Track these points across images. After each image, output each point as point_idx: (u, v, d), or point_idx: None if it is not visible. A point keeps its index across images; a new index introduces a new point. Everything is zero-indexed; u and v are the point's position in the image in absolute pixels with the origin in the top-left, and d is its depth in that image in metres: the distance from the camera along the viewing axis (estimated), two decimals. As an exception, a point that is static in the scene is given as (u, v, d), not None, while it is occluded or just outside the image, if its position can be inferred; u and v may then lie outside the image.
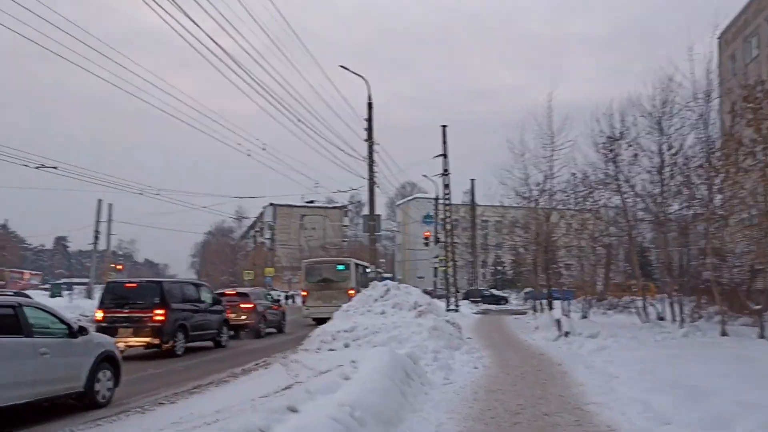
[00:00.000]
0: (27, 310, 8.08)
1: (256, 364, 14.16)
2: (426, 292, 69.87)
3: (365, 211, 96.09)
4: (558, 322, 20.75)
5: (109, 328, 15.52)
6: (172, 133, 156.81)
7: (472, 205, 56.42)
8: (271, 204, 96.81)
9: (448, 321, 18.95)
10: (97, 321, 16.03)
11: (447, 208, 38.42)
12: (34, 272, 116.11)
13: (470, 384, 10.79)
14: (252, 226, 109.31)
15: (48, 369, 8.06)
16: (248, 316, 21.98)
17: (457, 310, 36.56)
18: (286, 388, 10.13)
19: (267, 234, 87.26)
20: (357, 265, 29.68)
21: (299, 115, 21.82)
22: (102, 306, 16.10)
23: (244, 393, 9.97)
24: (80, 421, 8.35)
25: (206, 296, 18.53)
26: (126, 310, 15.72)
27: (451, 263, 39.70)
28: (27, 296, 7.87)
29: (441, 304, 38.59)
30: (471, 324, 27.80)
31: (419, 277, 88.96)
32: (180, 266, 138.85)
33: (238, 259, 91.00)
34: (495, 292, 60.99)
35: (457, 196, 64.87)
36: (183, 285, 17.94)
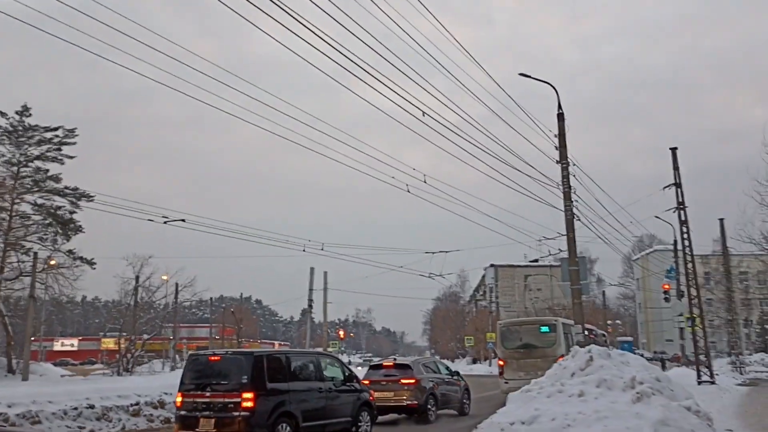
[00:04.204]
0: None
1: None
2: (673, 357, 58.69)
3: (597, 265, 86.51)
4: None
5: (188, 417, 11.57)
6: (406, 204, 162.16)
7: (724, 251, 45.85)
8: (492, 265, 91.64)
9: (689, 408, 12.13)
10: (177, 407, 12.04)
11: (687, 250, 30.16)
12: (283, 342, 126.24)
13: None
14: (476, 290, 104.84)
15: None
16: (410, 395, 16.89)
17: (713, 382, 27.90)
18: None
19: (489, 297, 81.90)
20: (566, 325, 23.27)
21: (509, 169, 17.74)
22: (182, 387, 11.94)
23: None
24: None
25: (334, 371, 13.80)
26: (208, 394, 11.48)
27: (700, 322, 30.95)
28: None
29: (689, 374, 30.30)
30: (733, 404, 19.90)
31: (667, 341, 77.26)
32: (416, 333, 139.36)
33: (465, 325, 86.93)
34: None
35: (706, 247, 54.37)
36: (291, 356, 13.05)
